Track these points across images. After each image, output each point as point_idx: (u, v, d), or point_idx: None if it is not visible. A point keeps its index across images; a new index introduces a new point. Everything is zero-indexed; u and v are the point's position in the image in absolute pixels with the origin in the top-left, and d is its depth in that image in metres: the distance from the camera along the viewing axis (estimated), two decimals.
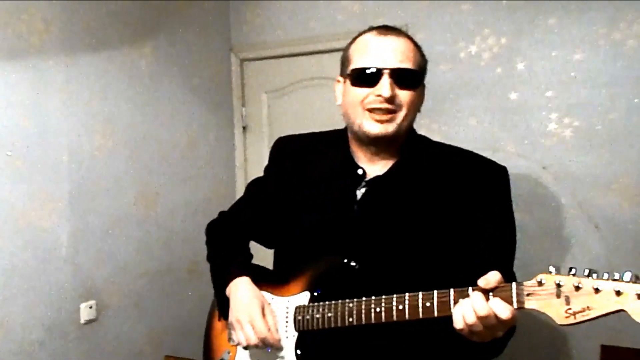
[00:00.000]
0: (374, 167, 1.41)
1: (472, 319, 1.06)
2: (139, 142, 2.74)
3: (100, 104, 2.56)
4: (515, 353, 2.54)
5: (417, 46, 1.39)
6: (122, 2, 2.63)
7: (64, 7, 2.38)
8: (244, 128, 3.32)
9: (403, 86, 1.33)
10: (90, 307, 2.52)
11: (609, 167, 2.38)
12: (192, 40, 3.03)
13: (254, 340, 1.38)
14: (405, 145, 1.41)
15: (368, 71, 1.33)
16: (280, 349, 1.42)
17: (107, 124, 2.58)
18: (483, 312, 1.05)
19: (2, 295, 2.17)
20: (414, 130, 1.45)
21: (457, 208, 1.33)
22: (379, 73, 1.31)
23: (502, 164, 1.39)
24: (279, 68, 3.18)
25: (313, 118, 3.03)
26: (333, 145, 1.50)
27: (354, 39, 1.42)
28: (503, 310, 1.04)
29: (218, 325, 1.66)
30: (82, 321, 2.47)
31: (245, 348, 1.47)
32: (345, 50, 1.43)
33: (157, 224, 2.83)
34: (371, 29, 1.40)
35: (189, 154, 3.03)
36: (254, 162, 3.31)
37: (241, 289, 1.47)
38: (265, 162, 3.26)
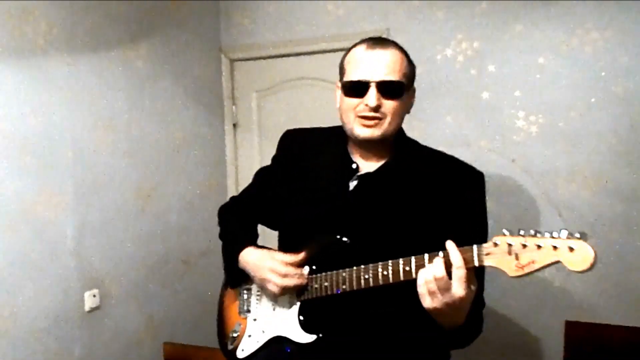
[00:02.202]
0: (367, 163, 1.68)
1: (429, 277, 1.36)
2: (137, 138, 2.95)
3: (100, 102, 2.74)
4: (486, 328, 2.91)
5: (404, 54, 1.61)
6: (119, 5, 2.83)
7: (66, 10, 2.57)
8: (235, 125, 3.59)
9: (388, 96, 1.55)
10: (94, 296, 2.71)
11: (570, 159, 2.74)
12: (184, 41, 3.26)
13: (282, 282, 1.65)
14: (395, 146, 1.67)
15: (357, 84, 1.56)
16: (285, 317, 1.71)
17: (106, 121, 2.78)
18: (439, 274, 1.35)
19: (12, 284, 2.36)
20: (403, 132, 1.72)
21: (437, 202, 1.59)
22: (366, 85, 1.55)
23: (475, 158, 1.69)
24: (267, 68, 3.45)
25: (300, 115, 3.32)
26: (333, 140, 1.76)
27: (348, 50, 1.65)
28: (456, 258, 1.34)
29: (228, 301, 1.94)
30: (87, 309, 2.68)
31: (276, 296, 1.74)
32: (342, 60, 1.68)
33: (154, 217, 3.07)
34: (363, 41, 1.62)
35: (183, 150, 3.26)
36: (244, 157, 3.59)
37: (251, 256, 1.76)
38: (254, 157, 3.62)
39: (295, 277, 1.66)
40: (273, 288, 1.68)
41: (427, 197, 1.60)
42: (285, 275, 1.66)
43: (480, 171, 1.66)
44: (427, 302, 1.39)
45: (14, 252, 2.38)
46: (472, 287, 1.37)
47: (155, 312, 3.10)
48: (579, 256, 1.22)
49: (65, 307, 2.60)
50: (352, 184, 1.68)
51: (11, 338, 2.37)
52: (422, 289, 1.38)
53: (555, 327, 2.80)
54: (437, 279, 1.35)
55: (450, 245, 1.37)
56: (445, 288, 1.35)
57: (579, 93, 2.70)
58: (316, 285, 1.64)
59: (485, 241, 1.57)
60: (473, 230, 1.57)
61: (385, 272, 1.48)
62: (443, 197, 1.60)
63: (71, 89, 2.62)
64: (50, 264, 2.54)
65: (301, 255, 1.68)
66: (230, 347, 1.87)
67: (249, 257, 1.76)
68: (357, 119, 1.59)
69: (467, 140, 2.89)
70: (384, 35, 2.99)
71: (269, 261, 1.69)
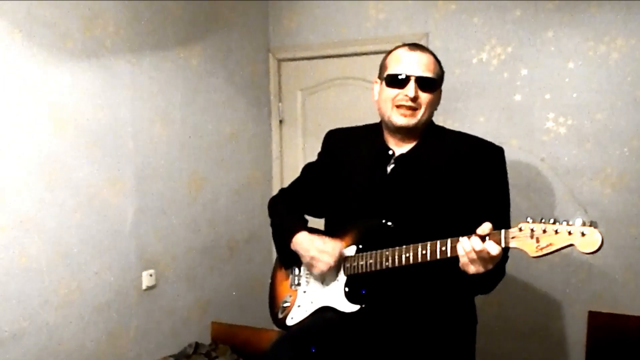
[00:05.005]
0: (401, 149, 1.98)
1: (469, 249, 1.63)
2: (190, 131, 3.26)
3: (158, 98, 3.05)
4: (512, 316, 3.21)
5: (437, 60, 1.96)
6: (177, 9, 3.13)
7: (131, 13, 2.87)
8: (280, 122, 3.91)
9: (424, 90, 1.89)
10: (151, 275, 3.03)
11: (595, 159, 2.99)
12: (235, 42, 3.57)
13: (331, 261, 1.95)
14: (424, 131, 1.98)
15: (400, 77, 1.90)
16: (332, 289, 2.00)
17: (164, 115, 3.08)
18: (478, 247, 1.61)
19: (79, 261, 2.68)
20: (432, 122, 2.02)
21: (464, 177, 1.88)
22: (407, 78, 1.89)
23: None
24: (312, 68, 3.75)
25: (342, 113, 3.61)
26: (370, 134, 2.08)
27: (390, 52, 2.00)
28: (493, 248, 1.61)
29: (280, 276, 2.26)
30: (144, 287, 3.00)
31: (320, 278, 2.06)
32: (383, 60, 2.02)
33: (204, 205, 3.38)
34: (404, 45, 1.97)
35: (232, 143, 3.57)
36: (288, 152, 3.90)
37: (304, 239, 2.05)
38: (298, 152, 3.98)
39: (339, 259, 1.98)
40: (321, 266, 1.98)
41: (455, 174, 1.90)
42: (332, 257, 1.96)
43: (500, 146, 1.97)
44: (472, 269, 1.65)
45: (82, 232, 2.70)
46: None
47: (203, 293, 3.41)
48: (589, 240, 1.47)
49: (125, 284, 2.92)
50: (389, 168, 1.98)
51: (77, 308, 2.69)
52: (463, 259, 1.66)
53: (579, 316, 3.06)
54: (477, 251, 1.61)
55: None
56: (485, 258, 1.62)
57: (605, 97, 2.95)
58: (362, 262, 1.93)
59: (508, 209, 1.92)
60: (498, 200, 1.90)
61: (424, 252, 1.75)
62: (469, 171, 1.89)
63: (134, 85, 2.92)
64: (112, 244, 2.85)
65: (347, 241, 2.00)
66: (280, 316, 2.17)
67: (302, 239, 2.06)
68: (395, 108, 1.92)
69: (499, 139, 2.99)
70: (423, 39, 3.28)
71: (319, 243, 2.00)
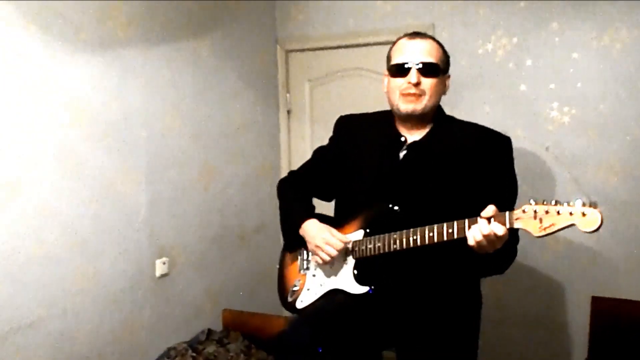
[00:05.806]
0: (413, 136, 2.05)
1: (479, 236, 1.69)
2: (201, 122, 3.31)
3: (170, 89, 3.09)
4: (516, 303, 3.28)
5: (439, 45, 2.03)
6: (188, 2, 3.17)
7: (143, 6, 2.90)
8: (288, 112, 3.97)
9: (427, 75, 1.96)
10: (164, 263, 3.08)
11: (599, 148, 3.05)
12: (243, 34, 3.62)
13: (334, 252, 2.03)
14: (435, 120, 2.05)
15: (402, 66, 1.98)
16: (341, 272, 2.08)
17: (175, 106, 3.13)
18: (486, 232, 1.68)
19: (95, 249, 2.73)
20: (442, 110, 2.10)
21: (473, 165, 1.95)
22: (408, 67, 1.97)
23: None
24: (320, 59, 3.81)
25: (350, 104, 3.51)
26: (382, 121, 2.15)
27: (393, 43, 2.09)
28: (499, 229, 1.68)
29: (289, 261, 2.35)
30: (157, 275, 3.06)
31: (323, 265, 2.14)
32: (388, 51, 2.09)
33: (214, 195, 3.44)
34: (405, 34, 2.07)
35: (241, 134, 3.63)
36: (296, 142, 3.97)
37: (312, 227, 2.14)
38: (306, 142, 4.05)
39: (342, 249, 2.06)
40: (323, 256, 2.07)
41: (465, 161, 1.97)
42: (339, 250, 2.04)
43: (507, 136, 2.05)
44: (481, 251, 1.73)
45: (97, 221, 2.75)
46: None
47: (215, 281, 3.48)
48: (590, 219, 1.53)
49: (139, 272, 2.97)
50: (402, 154, 2.05)
51: (93, 295, 2.75)
52: (470, 241, 1.72)
53: (582, 302, 3.11)
54: (485, 235, 1.69)
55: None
56: (493, 240, 1.69)
57: (608, 87, 3.01)
58: (370, 246, 2.01)
59: (514, 196, 1.98)
60: (506, 186, 1.97)
61: (431, 234, 1.82)
62: (478, 159, 1.96)
63: (146, 77, 2.96)
64: (126, 233, 2.90)
65: (355, 225, 2.08)
66: (290, 299, 2.25)
67: (311, 227, 2.14)
68: (402, 96, 1.99)
69: (504, 128, 3.03)
70: (430, 30, 3.33)
71: (326, 233, 2.08)
